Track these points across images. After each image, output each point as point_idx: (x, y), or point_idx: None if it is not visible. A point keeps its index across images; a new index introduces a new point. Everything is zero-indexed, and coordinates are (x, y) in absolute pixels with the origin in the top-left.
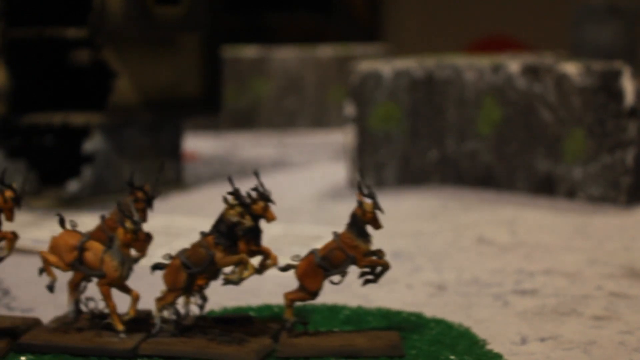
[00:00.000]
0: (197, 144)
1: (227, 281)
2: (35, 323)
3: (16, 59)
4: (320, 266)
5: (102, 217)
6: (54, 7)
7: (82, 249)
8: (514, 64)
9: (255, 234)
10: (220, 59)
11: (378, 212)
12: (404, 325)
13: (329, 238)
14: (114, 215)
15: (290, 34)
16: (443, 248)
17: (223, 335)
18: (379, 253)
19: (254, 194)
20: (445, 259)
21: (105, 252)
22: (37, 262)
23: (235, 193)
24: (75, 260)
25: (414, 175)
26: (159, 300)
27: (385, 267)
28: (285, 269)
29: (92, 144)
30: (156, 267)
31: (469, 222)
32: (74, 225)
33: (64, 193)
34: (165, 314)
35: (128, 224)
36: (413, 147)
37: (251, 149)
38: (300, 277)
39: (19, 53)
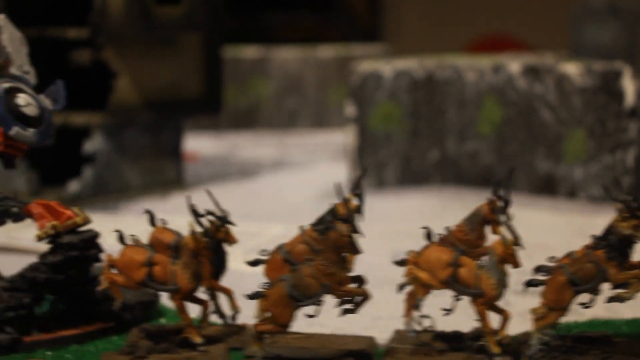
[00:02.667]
0: (198, 144)
1: (616, 298)
2: (372, 343)
3: None
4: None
5: (447, 229)
6: (54, 7)
7: (456, 265)
8: (514, 65)
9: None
10: (221, 59)
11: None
12: None
13: None
14: (462, 225)
15: (290, 34)
16: None
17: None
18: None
19: None
20: None
21: (482, 269)
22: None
23: (627, 202)
24: (449, 277)
25: (414, 176)
26: (538, 319)
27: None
28: None
29: (93, 144)
30: (531, 283)
31: None
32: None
33: (65, 193)
34: (541, 336)
35: (506, 237)
36: (413, 148)
37: (251, 149)
38: None
39: None
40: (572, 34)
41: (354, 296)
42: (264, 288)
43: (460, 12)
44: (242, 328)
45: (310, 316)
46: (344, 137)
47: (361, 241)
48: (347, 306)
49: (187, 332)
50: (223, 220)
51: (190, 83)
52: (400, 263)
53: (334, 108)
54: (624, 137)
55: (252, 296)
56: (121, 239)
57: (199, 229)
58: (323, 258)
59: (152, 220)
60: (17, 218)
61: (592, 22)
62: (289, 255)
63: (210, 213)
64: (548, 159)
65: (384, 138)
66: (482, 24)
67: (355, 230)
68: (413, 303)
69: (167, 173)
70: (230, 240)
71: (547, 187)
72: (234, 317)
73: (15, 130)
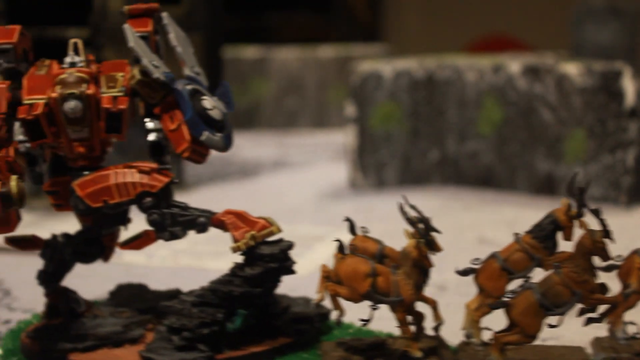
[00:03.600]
0: None
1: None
2: (584, 354)
3: None
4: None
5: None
6: (54, 7)
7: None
8: (514, 65)
9: None
10: (221, 59)
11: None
12: None
13: (329, 238)
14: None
15: (290, 34)
16: (444, 248)
17: None
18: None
19: None
20: (445, 259)
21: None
22: (38, 263)
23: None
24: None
25: (414, 176)
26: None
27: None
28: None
29: None
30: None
31: (469, 222)
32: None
33: None
34: None
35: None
36: (413, 148)
37: (251, 149)
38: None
39: None
40: (572, 34)
41: (599, 305)
42: (509, 297)
43: (460, 12)
44: (438, 338)
45: (553, 326)
46: (344, 137)
47: None
48: (592, 315)
49: (407, 346)
50: (429, 228)
51: None
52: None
53: (334, 108)
54: (624, 137)
55: (496, 306)
56: (341, 249)
57: (415, 237)
58: (573, 265)
59: (353, 229)
60: (203, 228)
61: (592, 22)
62: (506, 264)
63: (420, 220)
64: (548, 159)
65: (384, 138)
66: (482, 24)
67: (608, 236)
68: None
69: None
70: (436, 248)
71: (547, 187)
72: (437, 329)
73: (205, 135)
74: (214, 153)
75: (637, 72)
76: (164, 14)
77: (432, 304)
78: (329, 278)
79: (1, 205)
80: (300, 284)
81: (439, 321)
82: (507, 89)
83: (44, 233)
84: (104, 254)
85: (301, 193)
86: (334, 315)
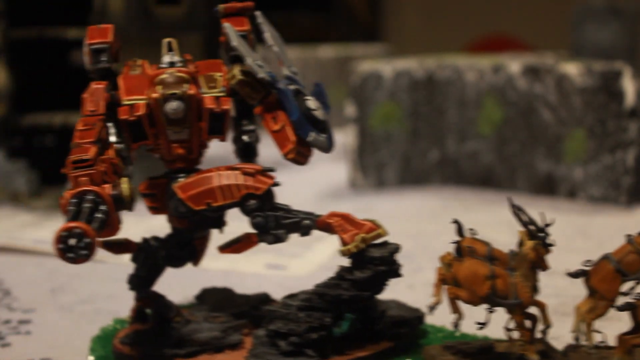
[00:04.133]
0: None
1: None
2: None
3: (17, 60)
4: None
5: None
6: (54, 8)
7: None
8: (514, 65)
9: None
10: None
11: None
12: None
13: (328, 238)
14: None
15: (290, 34)
16: (444, 248)
17: None
18: None
19: None
20: None
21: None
22: (38, 263)
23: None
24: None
25: (414, 176)
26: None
27: None
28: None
29: None
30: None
31: (469, 222)
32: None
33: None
34: None
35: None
36: (413, 148)
37: None
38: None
39: (20, 53)
40: (572, 34)
41: None
42: (636, 299)
43: (460, 12)
44: (544, 342)
45: None
46: (344, 137)
47: None
48: None
49: (524, 349)
50: (539, 230)
51: None
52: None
53: (334, 108)
54: (624, 137)
55: (623, 308)
56: (458, 251)
57: (530, 238)
58: None
59: (460, 231)
60: (307, 231)
61: (592, 22)
62: (620, 265)
63: (531, 222)
64: (548, 159)
65: (384, 138)
66: (482, 24)
67: None
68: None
69: None
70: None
71: (547, 187)
72: (545, 332)
73: (313, 135)
74: (213, 153)
75: (637, 72)
76: (258, 13)
77: (542, 306)
78: (446, 281)
79: (114, 208)
80: (301, 284)
81: (547, 324)
82: (507, 89)
83: (44, 233)
84: (195, 257)
85: (301, 193)
86: (451, 318)
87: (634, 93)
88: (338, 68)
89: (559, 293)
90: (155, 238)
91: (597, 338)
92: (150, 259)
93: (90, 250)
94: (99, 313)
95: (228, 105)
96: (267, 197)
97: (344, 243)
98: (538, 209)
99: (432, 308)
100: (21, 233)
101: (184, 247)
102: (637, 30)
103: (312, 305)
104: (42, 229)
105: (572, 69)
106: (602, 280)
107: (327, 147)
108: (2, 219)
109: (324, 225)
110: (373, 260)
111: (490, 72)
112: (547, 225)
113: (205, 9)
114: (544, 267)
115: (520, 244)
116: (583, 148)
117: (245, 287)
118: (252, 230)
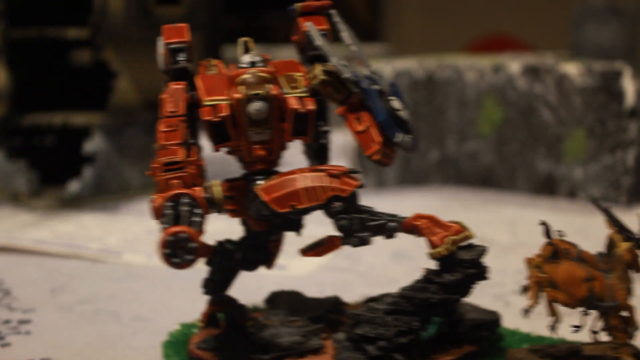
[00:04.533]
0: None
1: None
2: None
3: (17, 60)
4: None
5: None
6: (54, 8)
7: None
8: (514, 65)
9: None
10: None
11: None
12: None
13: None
14: None
15: (290, 34)
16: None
17: None
18: None
19: None
20: None
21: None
22: (38, 263)
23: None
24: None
25: (414, 176)
26: None
27: None
28: None
29: (93, 144)
30: None
31: (469, 222)
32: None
33: (65, 193)
34: None
35: None
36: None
37: None
38: None
39: (20, 53)
40: (572, 34)
41: None
42: None
43: (460, 12)
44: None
45: None
46: (344, 137)
47: None
48: None
49: (619, 352)
50: (630, 232)
51: None
52: None
53: (334, 108)
54: (624, 137)
55: None
56: (555, 254)
57: (624, 241)
58: None
59: (548, 233)
60: (392, 234)
61: (592, 22)
62: None
63: (622, 224)
64: (548, 159)
65: None
66: (482, 24)
67: None
68: None
69: None
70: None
71: (547, 187)
72: (631, 335)
73: (400, 136)
74: (214, 153)
75: (637, 72)
76: (333, 12)
77: (631, 309)
78: (541, 284)
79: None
80: (301, 284)
81: (635, 327)
82: (507, 89)
83: (44, 233)
84: (269, 260)
85: None
86: (548, 321)
87: (634, 93)
88: None
89: None
90: (230, 241)
91: None
92: (226, 262)
93: (195, 255)
94: (99, 313)
95: (313, 106)
96: (352, 199)
97: (433, 246)
98: (538, 209)
99: (527, 311)
100: (21, 233)
101: (259, 249)
102: (637, 30)
103: (400, 309)
104: (42, 229)
105: (572, 69)
106: None
107: (413, 148)
108: (2, 219)
109: (411, 227)
110: (463, 263)
111: (490, 72)
112: None
113: (205, 9)
114: (639, 268)
115: (612, 245)
116: (583, 148)
117: (245, 287)
118: (334, 233)
